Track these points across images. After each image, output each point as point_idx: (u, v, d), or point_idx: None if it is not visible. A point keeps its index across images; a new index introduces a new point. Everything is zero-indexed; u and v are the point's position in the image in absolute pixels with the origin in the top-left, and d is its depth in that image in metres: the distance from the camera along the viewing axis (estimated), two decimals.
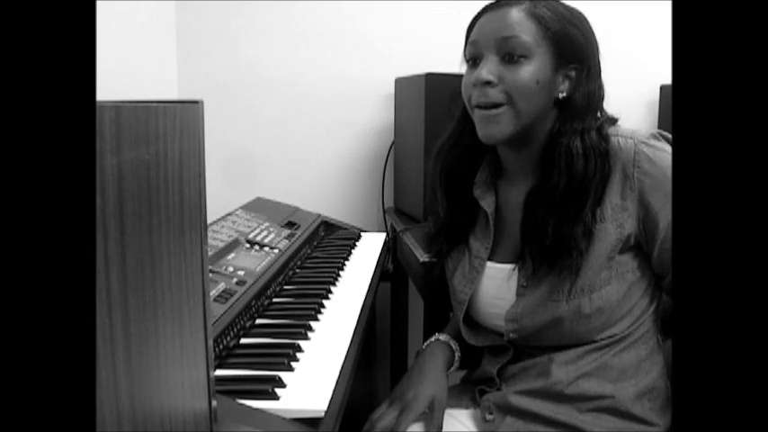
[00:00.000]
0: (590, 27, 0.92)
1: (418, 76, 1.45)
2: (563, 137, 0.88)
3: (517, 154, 0.94)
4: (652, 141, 0.88)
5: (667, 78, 1.74)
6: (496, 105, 0.88)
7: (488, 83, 0.87)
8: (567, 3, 0.92)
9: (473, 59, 0.91)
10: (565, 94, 0.90)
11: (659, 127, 1.77)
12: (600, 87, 0.92)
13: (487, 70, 0.87)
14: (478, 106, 0.89)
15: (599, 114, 0.92)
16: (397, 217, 1.65)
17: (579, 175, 0.86)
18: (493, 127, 0.89)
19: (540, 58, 0.87)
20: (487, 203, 0.98)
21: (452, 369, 1.03)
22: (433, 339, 1.04)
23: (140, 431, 0.43)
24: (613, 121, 0.93)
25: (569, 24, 0.89)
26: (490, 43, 0.88)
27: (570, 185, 0.87)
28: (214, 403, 0.58)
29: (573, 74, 0.89)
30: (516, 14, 0.88)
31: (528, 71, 0.86)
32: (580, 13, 0.92)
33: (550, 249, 0.87)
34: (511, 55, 0.87)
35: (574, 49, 0.89)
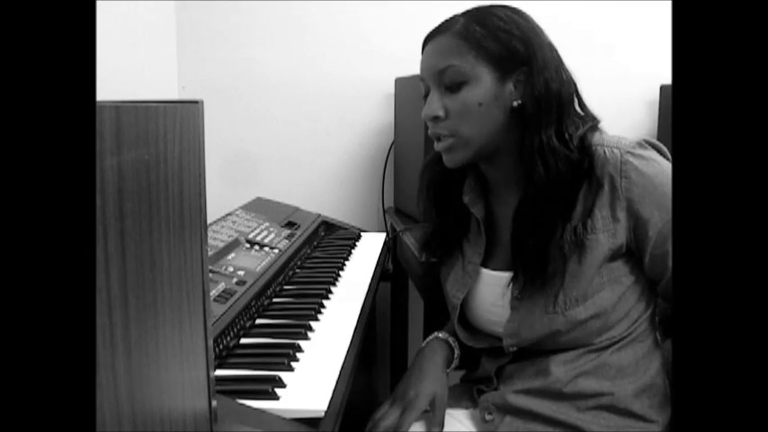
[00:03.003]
0: (528, 24, 0.89)
1: (418, 76, 1.44)
2: (524, 148, 0.88)
3: (492, 168, 0.95)
4: (638, 150, 0.86)
5: (667, 78, 1.74)
6: (443, 136, 0.90)
7: (436, 117, 0.90)
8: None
9: (425, 94, 0.93)
10: (518, 102, 0.88)
11: (659, 127, 1.78)
12: (552, 80, 0.88)
13: (431, 107, 0.90)
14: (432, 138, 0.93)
15: (576, 118, 0.90)
16: (397, 217, 1.65)
17: (545, 185, 0.86)
18: (448, 156, 0.92)
19: (480, 79, 0.87)
20: (478, 210, 0.98)
21: (452, 367, 1.03)
22: (432, 337, 1.04)
23: (140, 431, 0.43)
24: (594, 126, 0.91)
25: (504, 33, 0.87)
26: (432, 78, 0.90)
27: (544, 197, 0.86)
28: (214, 403, 0.58)
29: (522, 78, 0.88)
30: (447, 42, 0.88)
31: (468, 96, 0.87)
32: (515, 13, 0.89)
33: (537, 264, 0.87)
34: (450, 85, 0.88)
35: (513, 56, 0.87)
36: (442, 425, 0.91)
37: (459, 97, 0.88)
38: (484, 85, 0.87)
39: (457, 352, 1.03)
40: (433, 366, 0.97)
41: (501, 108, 0.88)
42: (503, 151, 0.91)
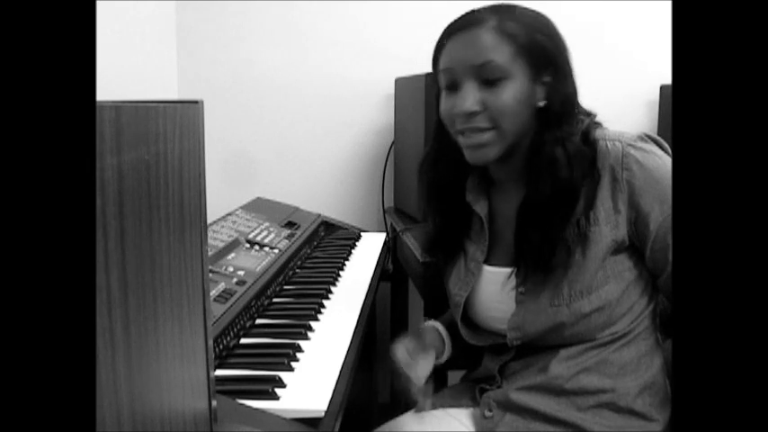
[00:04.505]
0: (555, 28, 0.91)
1: (418, 76, 1.45)
2: (545, 145, 0.88)
3: (503, 166, 0.95)
4: (639, 144, 0.88)
5: (667, 78, 1.75)
6: (482, 130, 0.88)
7: (473, 113, 0.87)
8: (532, 5, 0.91)
9: (450, 86, 0.90)
10: (544, 102, 0.89)
11: (659, 127, 1.78)
12: (575, 88, 0.91)
13: (471, 100, 0.87)
14: (464, 132, 0.90)
15: (582, 116, 0.92)
16: (397, 217, 1.65)
17: (565, 183, 0.87)
18: (481, 152, 0.90)
19: (518, 76, 0.87)
20: (480, 207, 0.99)
21: (446, 356, 1.05)
22: (423, 325, 1.07)
23: (140, 431, 0.43)
24: (598, 123, 0.93)
25: (537, 33, 0.88)
26: (467, 70, 0.87)
27: (557, 193, 0.87)
28: (214, 403, 0.58)
29: (548, 79, 0.89)
30: (487, 36, 0.87)
31: (508, 92, 0.87)
32: (543, 16, 0.91)
33: (544, 259, 0.88)
34: (489, 79, 0.87)
35: (546, 57, 0.88)
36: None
37: (498, 92, 0.87)
38: (519, 82, 0.87)
39: (447, 341, 1.04)
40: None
41: (529, 108, 0.89)
42: (517, 150, 0.92)
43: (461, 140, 0.91)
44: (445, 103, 0.91)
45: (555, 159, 0.87)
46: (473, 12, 0.90)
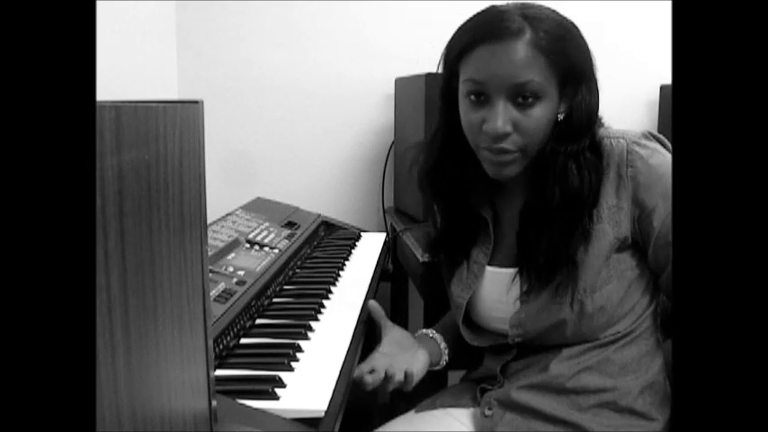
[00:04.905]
0: (583, 37, 0.88)
1: (418, 76, 1.45)
2: (559, 156, 0.86)
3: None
4: (643, 141, 0.88)
5: (667, 78, 1.74)
6: (509, 152, 0.86)
7: (505, 134, 0.84)
8: (558, 7, 0.88)
9: (477, 96, 0.85)
10: (563, 116, 0.88)
11: (659, 127, 1.78)
12: (597, 99, 0.90)
13: (503, 121, 0.83)
14: (489, 150, 0.87)
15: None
16: (397, 217, 1.65)
17: (574, 193, 0.86)
18: (505, 169, 0.87)
19: (550, 96, 0.84)
20: (486, 211, 0.98)
21: (441, 364, 1.04)
22: (418, 333, 1.06)
23: (140, 431, 0.43)
24: (600, 123, 0.92)
25: (569, 46, 0.85)
26: (501, 88, 0.83)
27: (565, 202, 0.86)
28: (214, 403, 0.58)
29: (571, 93, 0.87)
30: (525, 52, 0.81)
31: (540, 113, 0.84)
32: (572, 25, 0.88)
33: (547, 263, 0.88)
34: (524, 97, 0.83)
35: (575, 71, 0.86)
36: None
37: (531, 113, 0.83)
38: (552, 101, 0.85)
39: (444, 347, 1.04)
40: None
41: (551, 122, 0.87)
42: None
43: (485, 154, 0.88)
44: (473, 114, 0.86)
45: (566, 170, 0.86)
46: (504, 15, 0.83)
